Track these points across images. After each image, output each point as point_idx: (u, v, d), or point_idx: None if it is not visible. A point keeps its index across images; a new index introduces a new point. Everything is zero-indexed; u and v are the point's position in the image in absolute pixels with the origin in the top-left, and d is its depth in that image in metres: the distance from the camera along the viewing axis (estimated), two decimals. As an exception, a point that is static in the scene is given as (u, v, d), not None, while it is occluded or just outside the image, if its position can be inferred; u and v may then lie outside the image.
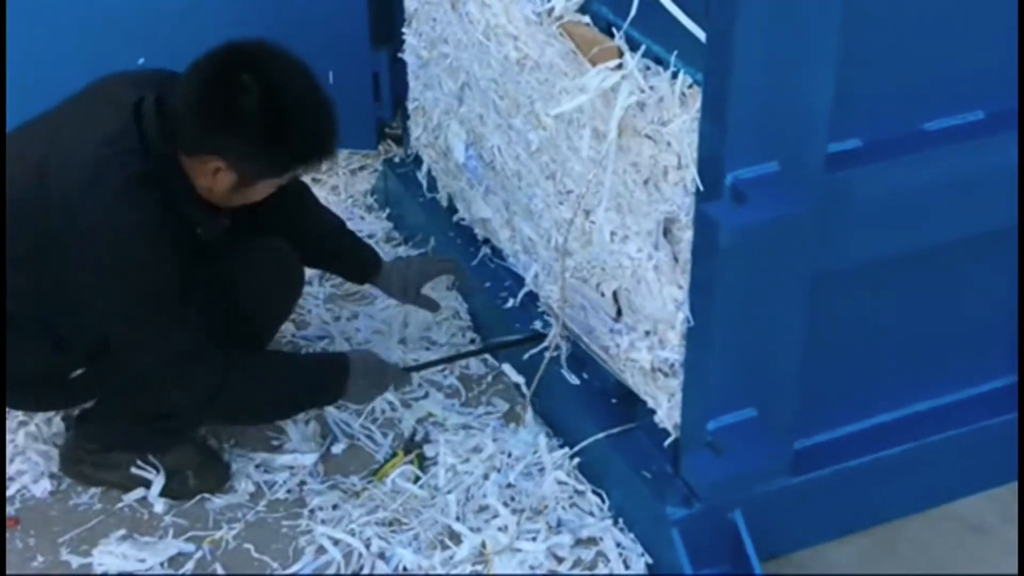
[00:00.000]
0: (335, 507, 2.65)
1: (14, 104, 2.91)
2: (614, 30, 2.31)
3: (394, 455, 2.76)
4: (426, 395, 2.91)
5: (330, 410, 2.86)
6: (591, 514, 2.61)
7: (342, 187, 3.69)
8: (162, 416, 2.61)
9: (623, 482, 2.56)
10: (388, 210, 3.57)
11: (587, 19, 2.41)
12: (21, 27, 3.37)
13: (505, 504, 2.63)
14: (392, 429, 2.84)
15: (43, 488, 2.70)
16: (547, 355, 2.77)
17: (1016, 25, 2.23)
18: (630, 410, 2.61)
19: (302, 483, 2.71)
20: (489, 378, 2.99)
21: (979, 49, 2.23)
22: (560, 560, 2.53)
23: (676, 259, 2.29)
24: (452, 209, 3.26)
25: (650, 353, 2.43)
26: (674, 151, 2.19)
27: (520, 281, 2.96)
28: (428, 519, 2.61)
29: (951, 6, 2.17)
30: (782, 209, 2.07)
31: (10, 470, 2.73)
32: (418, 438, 2.81)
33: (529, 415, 2.82)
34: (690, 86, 2.15)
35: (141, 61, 2.73)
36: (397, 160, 3.56)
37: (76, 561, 2.55)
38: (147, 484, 2.67)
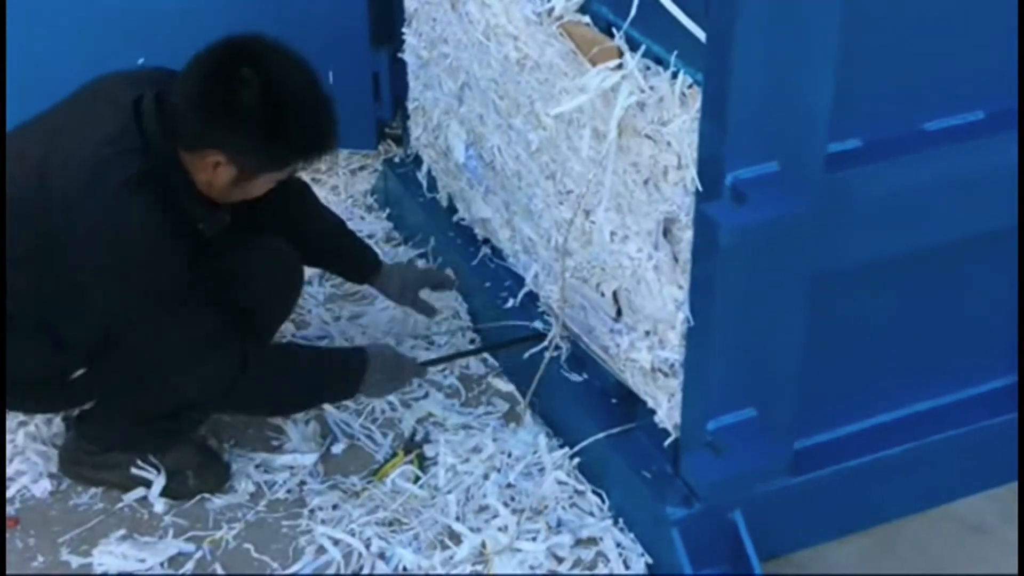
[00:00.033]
0: (335, 507, 2.65)
1: (14, 104, 2.91)
2: (614, 30, 2.31)
3: (394, 455, 2.76)
4: (426, 395, 2.92)
5: (330, 410, 2.86)
6: (591, 514, 2.61)
7: (342, 187, 3.70)
8: (163, 416, 2.61)
9: (623, 482, 2.56)
10: (388, 210, 3.57)
11: (587, 19, 2.41)
12: (21, 27, 3.37)
13: (505, 504, 2.63)
14: (392, 429, 2.84)
15: (43, 488, 2.70)
16: (547, 355, 2.77)
17: (1016, 25, 2.23)
18: (630, 410, 2.61)
19: (302, 483, 2.71)
20: (489, 378, 2.99)
21: (979, 49, 2.23)
22: (560, 560, 2.53)
23: (676, 259, 2.29)
24: (452, 209, 3.26)
25: (650, 353, 2.43)
26: (674, 151, 2.19)
27: (520, 281, 2.96)
28: (428, 519, 2.61)
29: (951, 6, 2.17)
30: (782, 209, 2.07)
31: (9, 470, 2.73)
32: (418, 438, 2.81)
33: (528, 416, 2.83)
34: (690, 86, 2.15)
35: (141, 61, 2.73)
36: (397, 160, 3.56)
37: (76, 561, 2.55)
38: (147, 484, 2.67)
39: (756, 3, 1.94)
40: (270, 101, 2.32)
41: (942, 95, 2.26)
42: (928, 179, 2.25)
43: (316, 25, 3.36)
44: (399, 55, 3.31)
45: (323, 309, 3.19)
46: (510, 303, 2.97)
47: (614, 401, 2.66)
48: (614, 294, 2.52)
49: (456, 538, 2.57)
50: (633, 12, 2.22)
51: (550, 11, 2.47)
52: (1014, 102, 2.29)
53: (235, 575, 2.54)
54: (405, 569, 2.53)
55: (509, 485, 2.67)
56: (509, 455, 2.74)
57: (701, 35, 2.07)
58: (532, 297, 2.92)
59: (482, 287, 3.06)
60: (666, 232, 2.30)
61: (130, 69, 2.55)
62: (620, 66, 2.28)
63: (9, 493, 2.68)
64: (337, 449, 2.80)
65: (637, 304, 2.45)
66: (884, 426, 2.58)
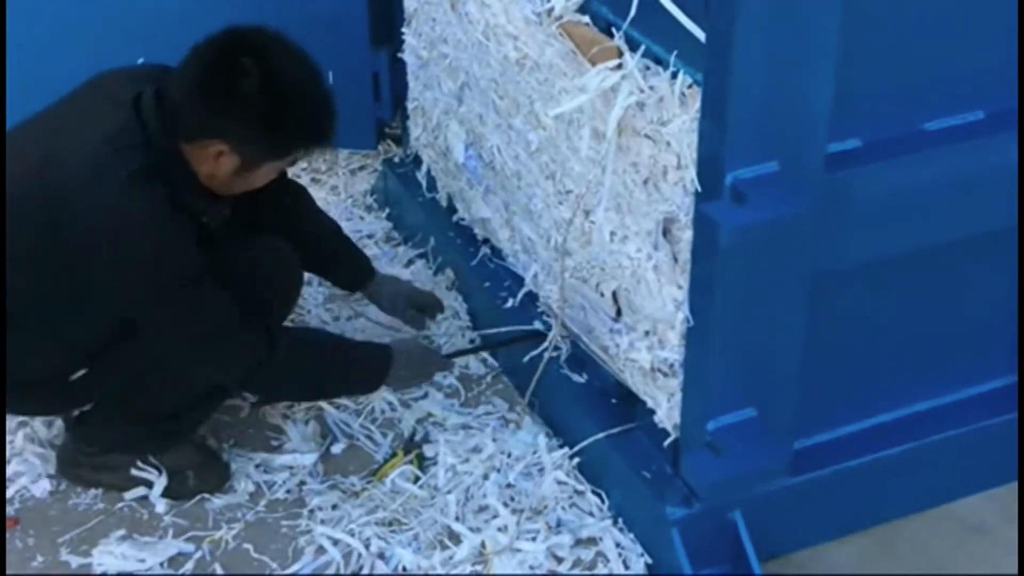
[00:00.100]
0: (335, 507, 2.65)
1: (14, 104, 2.91)
2: (614, 30, 2.31)
3: (394, 455, 2.76)
4: (425, 395, 2.91)
5: (330, 410, 2.86)
6: (591, 514, 2.61)
7: (342, 187, 3.70)
8: (163, 416, 2.61)
9: (623, 482, 2.56)
10: (388, 210, 3.57)
11: (587, 19, 2.41)
12: (21, 27, 3.37)
13: (505, 504, 2.63)
14: (392, 429, 2.84)
15: (43, 488, 2.70)
16: (547, 355, 2.77)
17: (1016, 25, 2.23)
18: (630, 410, 2.60)
19: (302, 483, 2.71)
20: (489, 378, 2.99)
21: (979, 49, 2.23)
22: (560, 560, 2.53)
23: (676, 259, 2.29)
24: (452, 209, 3.26)
25: (650, 353, 2.43)
26: (674, 151, 2.19)
27: (520, 281, 2.96)
28: (428, 519, 2.61)
29: (951, 6, 2.17)
30: (782, 209, 2.07)
31: (8, 471, 2.72)
32: (418, 438, 2.81)
33: (528, 416, 2.83)
34: (690, 86, 2.15)
35: (140, 60, 2.74)
36: (397, 160, 3.56)
37: (76, 561, 2.55)
38: (148, 485, 2.66)
39: (756, 3, 1.93)
40: (271, 89, 2.33)
41: (942, 95, 2.26)
42: (928, 179, 2.25)
43: (316, 25, 3.35)
44: (399, 55, 3.31)
45: (323, 309, 3.18)
46: (510, 303, 2.97)
47: (614, 401, 2.66)
48: (614, 294, 2.52)
49: (456, 538, 2.57)
50: (633, 12, 2.22)
51: (550, 11, 2.47)
52: (1014, 102, 2.29)
53: (235, 575, 2.54)
54: (405, 569, 2.52)
55: (509, 485, 2.67)
56: (509, 455, 2.74)
57: (701, 35, 2.06)
58: (532, 297, 2.92)
59: (482, 287, 3.06)
60: (666, 232, 2.30)
61: (128, 66, 2.56)
62: (620, 66, 2.28)
63: (9, 493, 2.68)
64: (337, 449, 2.80)
65: (637, 304, 2.45)
66: (884, 426, 2.58)
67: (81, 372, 2.54)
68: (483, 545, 2.55)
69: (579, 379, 2.74)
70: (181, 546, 2.58)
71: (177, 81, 2.39)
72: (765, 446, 2.29)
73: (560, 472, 2.68)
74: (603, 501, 2.62)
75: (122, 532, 2.61)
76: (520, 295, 2.95)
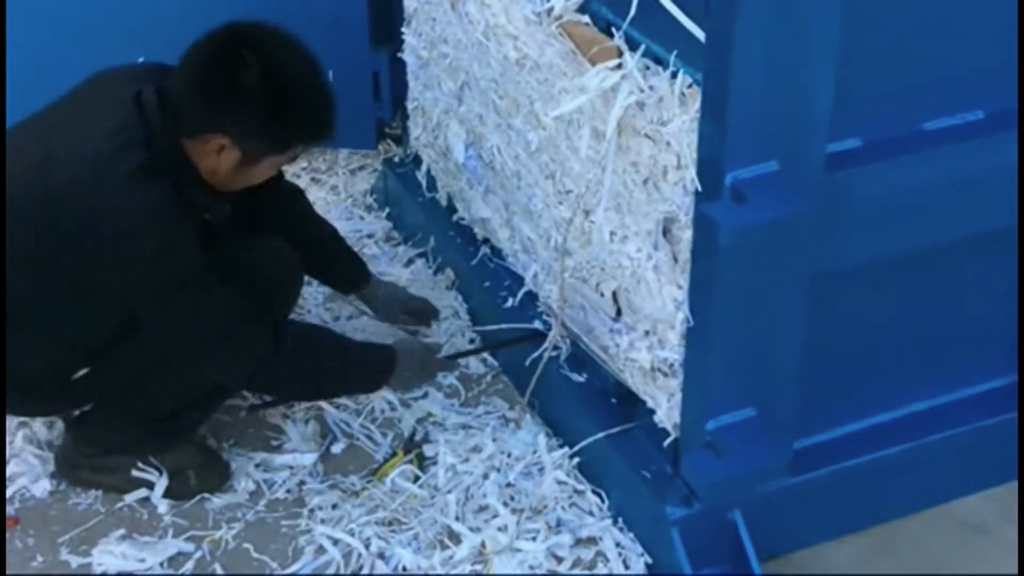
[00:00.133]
0: (334, 507, 2.65)
1: (14, 104, 2.91)
2: (613, 30, 2.31)
3: (393, 455, 2.76)
4: (425, 395, 2.91)
5: (329, 410, 2.86)
6: (591, 514, 2.61)
7: (342, 187, 3.70)
8: (164, 417, 2.61)
9: (623, 482, 2.56)
10: (388, 210, 3.56)
11: (586, 19, 2.41)
12: (21, 27, 3.37)
13: (505, 504, 2.63)
14: (391, 429, 2.84)
15: (43, 488, 2.70)
16: (547, 355, 2.77)
17: (1016, 25, 2.23)
18: (630, 410, 2.61)
19: (302, 483, 2.71)
20: (489, 378, 2.99)
21: (979, 49, 2.23)
22: (560, 560, 2.53)
23: (676, 259, 2.29)
24: (451, 209, 3.26)
25: (650, 353, 2.43)
26: (673, 151, 2.19)
27: (519, 281, 2.96)
28: (428, 519, 2.61)
29: (951, 6, 2.17)
30: (782, 209, 2.07)
31: (8, 470, 2.72)
32: (418, 438, 2.81)
33: (528, 416, 2.83)
34: (689, 86, 2.15)
35: (140, 60, 2.74)
36: (397, 160, 3.56)
37: (76, 561, 2.55)
38: (148, 486, 2.66)
39: (756, 3, 1.93)
40: (271, 82, 2.34)
41: (942, 95, 2.26)
42: (928, 179, 2.25)
43: (316, 25, 3.34)
44: (399, 55, 3.31)
45: (323, 309, 3.18)
46: (509, 303, 2.97)
47: (614, 401, 2.66)
48: (613, 294, 2.52)
49: (456, 538, 2.57)
50: (632, 12, 2.22)
51: (549, 11, 2.47)
52: (1014, 102, 2.29)
53: (235, 575, 2.54)
54: (404, 569, 2.52)
55: (509, 485, 2.67)
56: (509, 455, 2.74)
57: (701, 35, 2.06)
58: (531, 297, 2.92)
59: (482, 287, 3.06)
60: (666, 232, 2.30)
61: (128, 64, 2.56)
62: (619, 66, 2.28)
63: (9, 493, 2.68)
64: (337, 449, 2.80)
65: (637, 304, 2.45)
66: (884, 426, 2.58)
67: (83, 371, 2.54)
68: (483, 545, 2.55)
69: (579, 379, 2.74)
70: (181, 546, 2.58)
71: (178, 76, 2.39)
72: (765, 446, 2.29)
73: (560, 472, 2.68)
74: (603, 501, 2.62)
75: (122, 532, 2.61)
76: (520, 295, 2.95)
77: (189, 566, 2.54)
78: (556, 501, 2.63)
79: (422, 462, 2.75)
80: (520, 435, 2.79)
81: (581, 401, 2.70)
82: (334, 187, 3.70)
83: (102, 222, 2.31)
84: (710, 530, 2.42)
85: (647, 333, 2.44)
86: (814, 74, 2.02)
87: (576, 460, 2.69)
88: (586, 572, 2.52)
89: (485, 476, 2.69)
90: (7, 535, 2.59)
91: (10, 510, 2.65)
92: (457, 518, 2.61)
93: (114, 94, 2.41)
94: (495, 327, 2.97)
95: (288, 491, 2.70)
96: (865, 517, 2.60)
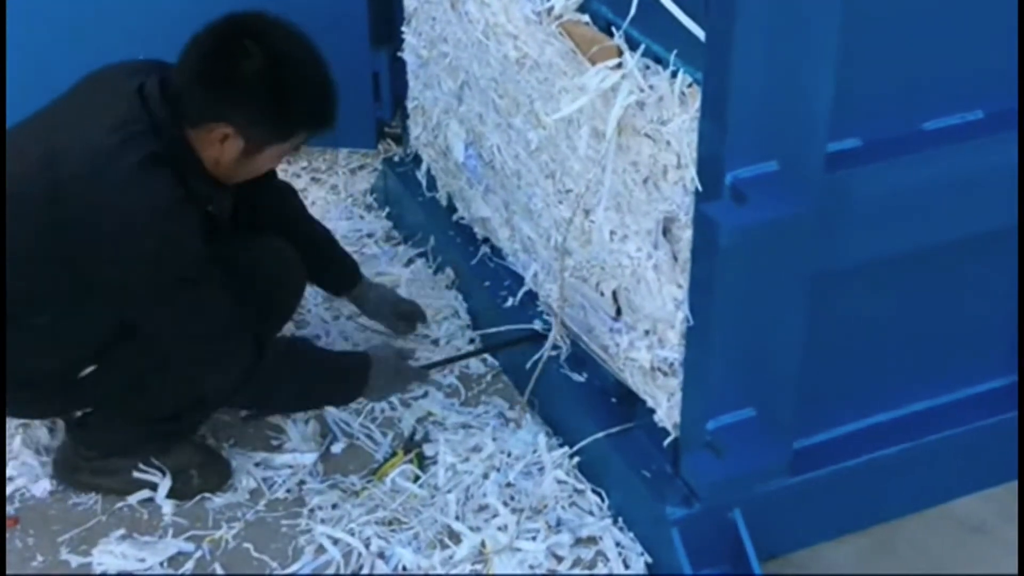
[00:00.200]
0: (335, 506, 2.65)
1: (14, 103, 2.91)
2: (613, 29, 2.31)
3: (394, 454, 2.76)
4: (425, 394, 2.91)
5: (330, 409, 2.86)
6: (591, 513, 2.61)
7: (342, 186, 3.70)
8: (164, 418, 2.61)
9: (623, 482, 2.56)
10: (388, 209, 3.57)
11: (586, 18, 2.41)
12: (21, 27, 3.37)
13: (505, 503, 2.63)
14: (392, 428, 2.84)
15: (43, 488, 2.70)
16: (547, 355, 2.77)
17: (1016, 25, 2.23)
18: (630, 410, 2.60)
19: (302, 482, 2.71)
20: (489, 377, 2.99)
21: (979, 49, 2.23)
22: (560, 559, 2.53)
23: (676, 258, 2.29)
24: (451, 208, 3.26)
25: (649, 352, 2.43)
26: (673, 150, 2.19)
27: (519, 280, 2.96)
28: (428, 518, 2.61)
29: (951, 6, 2.17)
30: (782, 209, 2.07)
31: (8, 470, 2.72)
32: (418, 437, 2.81)
33: (528, 416, 2.83)
34: (689, 85, 2.14)
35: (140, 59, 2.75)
36: (397, 159, 3.56)
37: (76, 561, 2.55)
38: (151, 487, 2.66)
39: (756, 3, 1.93)
40: (274, 70, 2.35)
41: (942, 95, 2.26)
42: (928, 179, 2.25)
43: (316, 25, 3.34)
44: (399, 55, 3.31)
45: (323, 309, 3.18)
46: (509, 302, 2.97)
47: (614, 400, 2.66)
48: (613, 293, 2.52)
49: (456, 537, 2.57)
50: (632, 11, 2.22)
51: (549, 10, 2.47)
52: (1014, 102, 2.29)
53: (235, 575, 2.54)
54: (405, 569, 2.52)
55: (509, 484, 2.67)
56: (509, 454, 2.74)
57: (701, 34, 2.06)
58: (531, 296, 2.92)
59: (481, 286, 3.06)
60: (666, 231, 2.30)
61: (127, 61, 2.56)
62: (619, 65, 2.28)
63: (8, 492, 2.68)
64: (337, 448, 2.80)
65: (637, 303, 2.45)
66: (883, 426, 2.58)
67: (89, 369, 2.53)
68: (483, 544, 2.55)
69: (579, 378, 2.73)
70: (181, 545, 2.58)
71: (180, 67, 2.40)
72: (765, 446, 2.29)
73: (560, 471, 2.68)
74: (603, 500, 2.62)
75: (122, 531, 2.60)
76: (520, 294, 2.95)
77: (189, 566, 2.54)
78: (556, 501, 2.63)
79: (422, 462, 2.75)
80: (520, 435, 2.79)
81: (581, 401, 2.70)
82: (334, 186, 3.70)
83: (110, 212, 2.31)
84: (710, 530, 2.42)
85: (647, 332, 2.44)
86: (814, 74, 2.02)
87: (576, 460, 2.69)
88: (586, 572, 2.52)
89: (485, 476, 2.69)
90: (7, 535, 2.59)
91: (10, 510, 2.65)
92: (457, 518, 2.61)
93: (115, 89, 2.42)
94: (495, 328, 2.98)
95: (288, 491, 2.70)
96: (865, 517, 2.60)
